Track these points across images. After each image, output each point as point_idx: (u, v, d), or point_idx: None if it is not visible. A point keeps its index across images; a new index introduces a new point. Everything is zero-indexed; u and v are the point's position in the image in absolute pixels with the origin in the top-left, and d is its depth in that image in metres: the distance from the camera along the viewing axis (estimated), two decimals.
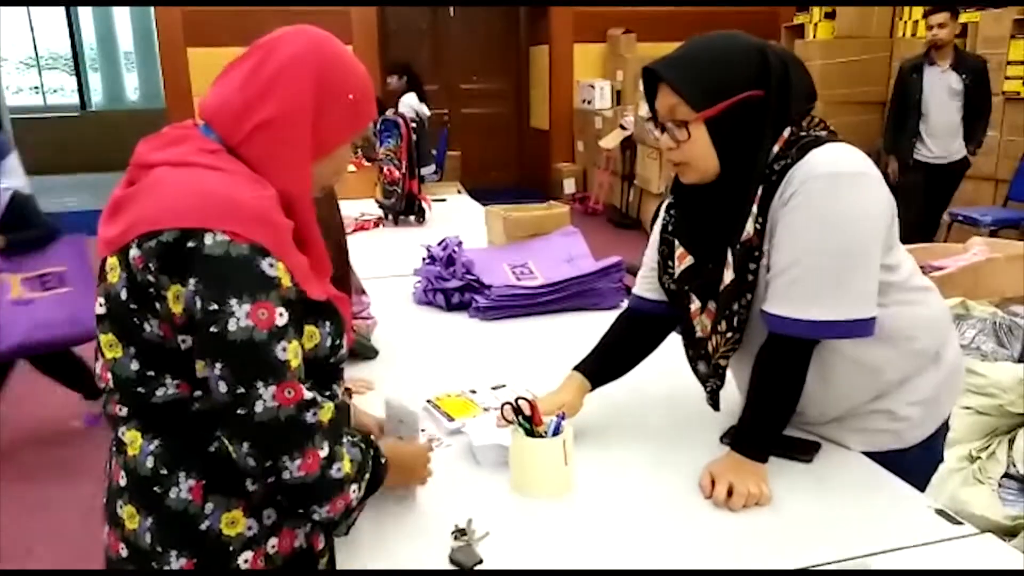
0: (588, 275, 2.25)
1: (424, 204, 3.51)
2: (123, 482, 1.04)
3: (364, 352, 1.86)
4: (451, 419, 1.51)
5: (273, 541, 1.05)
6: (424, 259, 2.39)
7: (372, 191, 3.73)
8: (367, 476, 1.06)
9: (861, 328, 1.22)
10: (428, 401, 1.59)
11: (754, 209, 1.25)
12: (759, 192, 1.24)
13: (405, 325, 2.14)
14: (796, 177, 1.22)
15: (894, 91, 5.16)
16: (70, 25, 12.64)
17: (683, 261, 1.39)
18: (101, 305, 1.02)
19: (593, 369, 1.52)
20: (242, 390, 0.93)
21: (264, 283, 0.95)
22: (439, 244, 2.39)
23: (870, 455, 1.37)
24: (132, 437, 1.03)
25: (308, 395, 0.97)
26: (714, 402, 1.42)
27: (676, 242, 1.40)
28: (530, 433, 1.29)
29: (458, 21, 9.07)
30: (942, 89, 4.86)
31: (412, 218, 3.49)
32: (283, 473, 0.95)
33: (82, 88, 12.76)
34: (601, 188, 7.92)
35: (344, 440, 1.03)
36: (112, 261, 0.99)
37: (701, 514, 1.23)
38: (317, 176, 1.08)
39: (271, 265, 0.96)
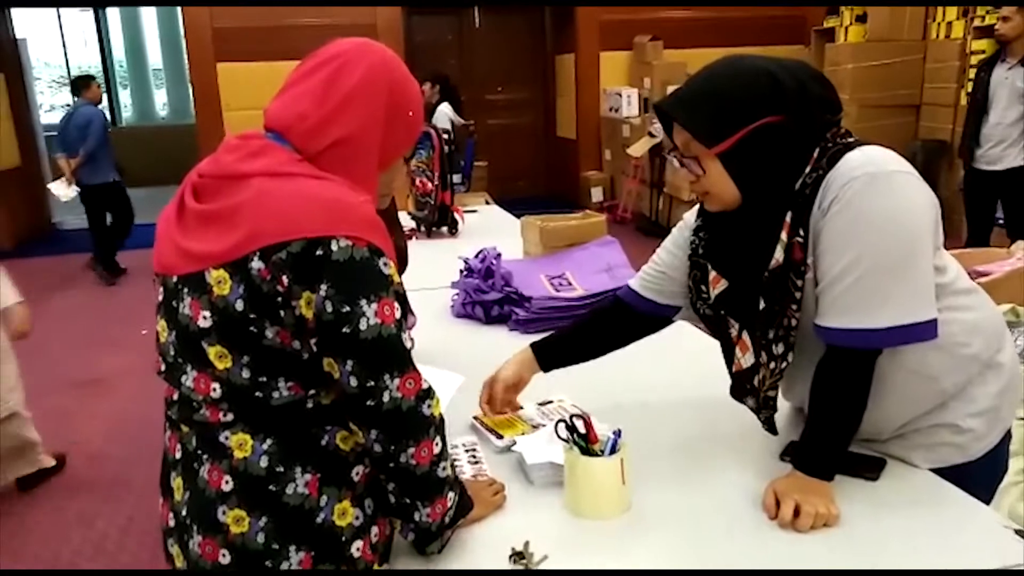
0: None
1: (457, 216, 3.49)
2: (228, 487, 1.04)
3: None
4: (500, 436, 1.48)
5: (375, 530, 1.10)
6: (462, 271, 2.36)
7: (405, 203, 3.72)
8: (458, 493, 1.12)
9: (924, 331, 1.17)
10: (475, 418, 1.56)
11: (783, 236, 1.21)
12: (788, 216, 1.21)
13: (443, 339, 2.11)
14: (833, 183, 1.18)
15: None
16: (100, 43, 12.85)
17: (717, 285, 1.36)
18: (205, 319, 1.01)
19: (546, 350, 1.57)
20: (371, 383, 1.00)
21: (384, 281, 1.01)
22: (477, 256, 2.36)
23: (936, 471, 1.32)
24: (241, 439, 1.04)
25: (425, 384, 1.05)
26: (770, 427, 1.37)
27: (708, 266, 1.37)
28: (585, 452, 1.25)
29: (484, 32, 9.10)
30: (1005, 88, 4.51)
31: (445, 230, 3.47)
32: (400, 456, 1.03)
33: (112, 105, 12.97)
34: (630, 196, 7.87)
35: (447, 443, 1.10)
36: (219, 274, 1.00)
37: (765, 534, 1.18)
38: (379, 187, 1.15)
39: (386, 264, 1.02)
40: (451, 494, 1.10)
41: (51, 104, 14.59)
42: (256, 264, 0.98)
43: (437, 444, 1.06)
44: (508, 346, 2.04)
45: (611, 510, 1.23)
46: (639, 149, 7.36)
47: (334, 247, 0.98)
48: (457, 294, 2.32)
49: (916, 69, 6.50)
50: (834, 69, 6.65)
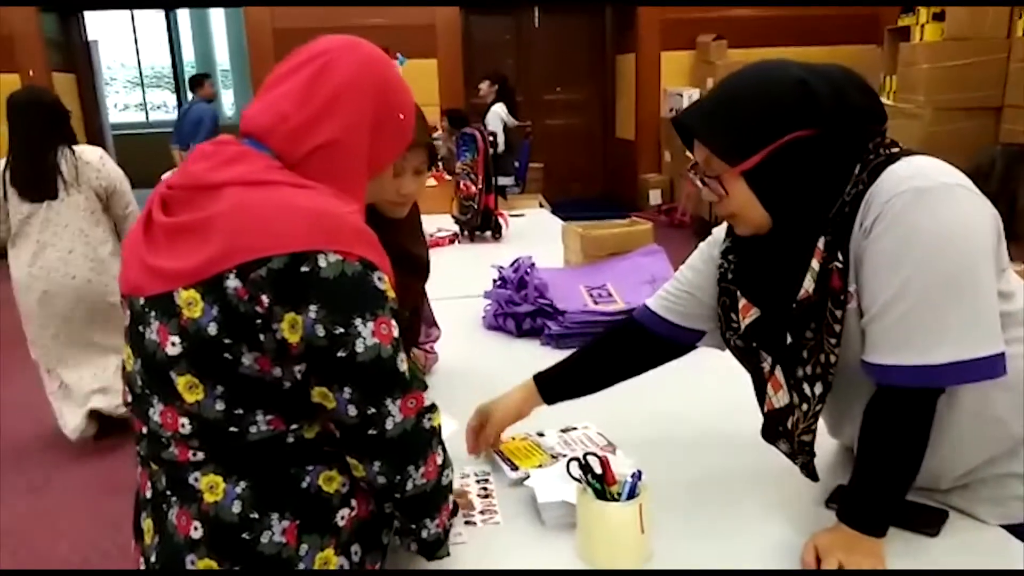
0: None
1: (501, 220, 3.38)
2: (197, 534, 0.94)
3: None
4: (514, 468, 1.36)
5: None
6: (495, 281, 2.25)
7: (450, 206, 3.63)
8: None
9: (989, 367, 1.01)
10: (491, 445, 1.44)
11: (813, 264, 1.07)
12: (821, 243, 1.06)
13: (470, 352, 2.00)
14: (875, 199, 1.03)
15: None
16: (171, 45, 13.17)
17: (748, 314, 1.22)
18: (175, 345, 0.92)
19: (549, 382, 1.42)
20: (372, 410, 0.92)
21: (380, 298, 0.93)
22: (511, 265, 2.25)
23: (1007, 527, 1.15)
24: (211, 481, 0.94)
25: (427, 401, 0.98)
26: (810, 473, 1.20)
27: (738, 292, 1.23)
28: (602, 494, 1.12)
29: (542, 31, 8.99)
30: None
31: (488, 234, 3.37)
32: (407, 483, 0.96)
33: (181, 105, 13.27)
34: (689, 199, 7.65)
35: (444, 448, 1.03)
36: (189, 295, 0.90)
37: None
38: (368, 195, 1.05)
39: (380, 279, 0.94)
40: (451, 497, 1.06)
41: (125, 103, 15.03)
42: (232, 283, 0.88)
43: (439, 453, 1.00)
44: (538, 362, 1.92)
45: (628, 560, 1.10)
46: None
47: (322, 263, 0.89)
48: (489, 305, 2.21)
49: (998, 69, 6.11)
50: (908, 70, 6.32)
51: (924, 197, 1.01)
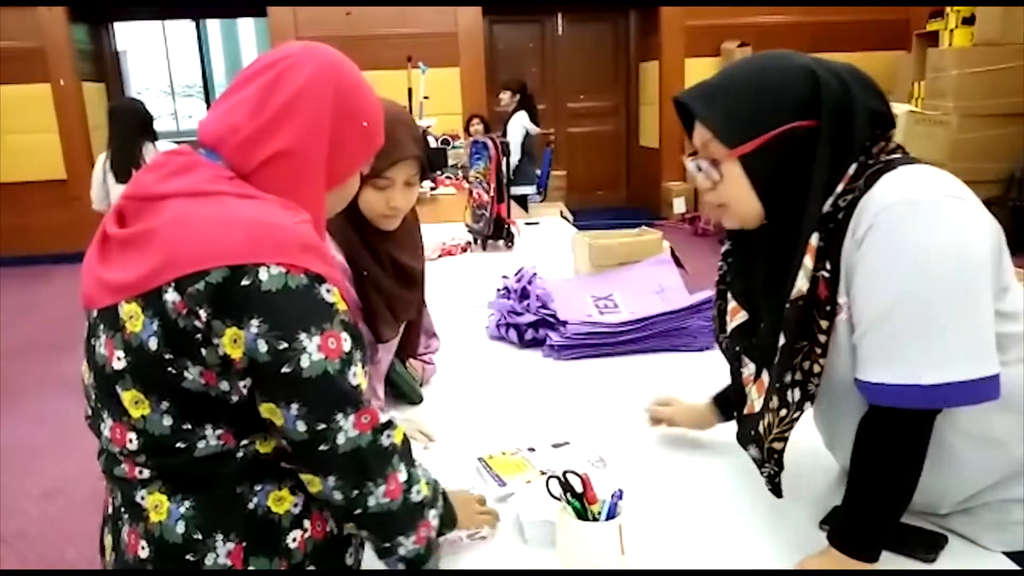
0: (677, 312, 2.01)
1: (513, 228, 3.35)
2: (144, 553, 0.92)
3: (409, 394, 1.71)
4: (502, 483, 1.33)
5: None
6: (499, 291, 2.22)
7: (463, 215, 3.61)
8: (441, 504, 1.04)
9: (983, 390, 0.96)
10: (479, 459, 1.41)
11: (806, 261, 1.02)
12: (815, 240, 1.02)
13: (469, 364, 1.97)
14: (867, 209, 0.99)
15: None
16: (201, 56, 13.38)
17: (735, 316, 1.19)
18: (119, 359, 0.90)
19: (720, 398, 1.40)
20: (322, 426, 0.89)
21: (326, 311, 0.89)
22: (515, 275, 2.22)
23: (1010, 555, 1.09)
24: (156, 501, 0.92)
25: (383, 417, 0.94)
26: (774, 488, 1.16)
27: (728, 294, 1.21)
28: (583, 514, 1.09)
29: (566, 39, 8.96)
30: None
31: (501, 243, 3.35)
32: (368, 500, 0.93)
33: None
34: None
35: (416, 462, 1.00)
36: (130, 308, 0.88)
37: None
38: (328, 206, 1.01)
39: (328, 291, 0.90)
40: (432, 512, 1.01)
41: (158, 113, 15.30)
42: (171, 296, 0.86)
43: (402, 471, 0.96)
44: (538, 374, 1.90)
45: None
46: None
47: (263, 276, 0.85)
48: (492, 315, 2.18)
49: None
50: (936, 76, 6.21)
51: (918, 210, 0.97)
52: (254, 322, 0.86)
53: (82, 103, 7.81)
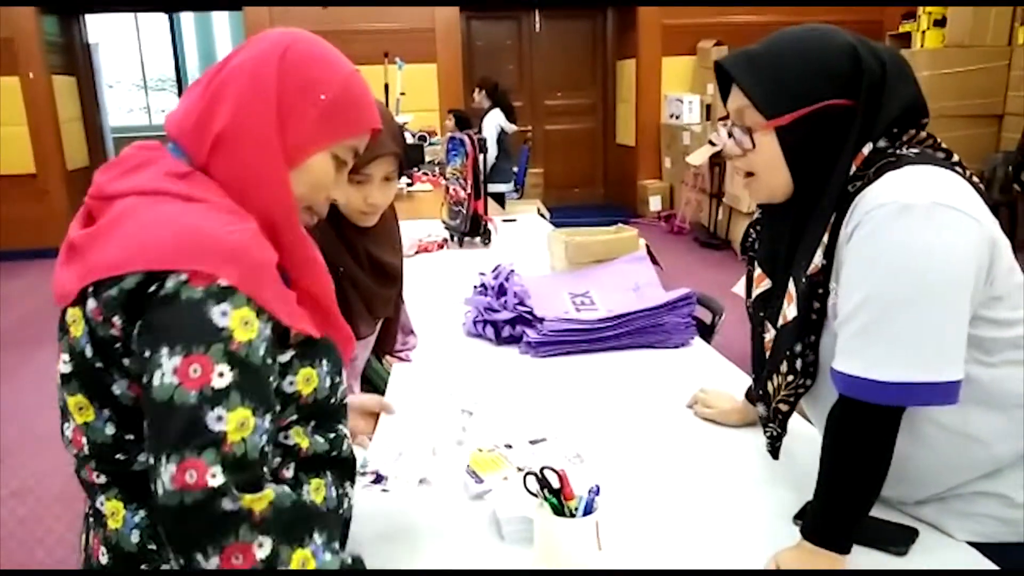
0: (654, 309, 2.02)
1: (490, 225, 3.35)
2: (104, 560, 0.90)
3: (385, 391, 1.70)
4: (479, 480, 1.33)
5: None
6: (476, 287, 2.22)
7: (439, 212, 3.60)
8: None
9: (939, 394, 0.98)
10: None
11: (826, 239, 1.05)
12: (831, 219, 1.05)
13: (447, 361, 1.96)
14: (861, 206, 1.01)
15: None
16: (175, 50, 13.21)
17: (760, 284, 1.23)
18: (65, 363, 0.88)
19: (752, 392, 1.44)
20: (152, 460, 0.77)
21: (207, 334, 0.79)
22: (492, 271, 2.22)
23: (979, 547, 1.11)
24: (113, 508, 0.90)
25: (216, 482, 0.75)
26: (773, 450, 1.22)
27: (756, 262, 1.26)
28: (560, 510, 1.09)
29: (544, 37, 8.96)
30: None
31: (478, 239, 3.34)
32: (200, 567, 0.76)
33: None
34: (688, 206, 7.62)
35: (313, 540, 0.83)
36: (73, 312, 0.86)
37: None
38: (297, 191, 0.94)
39: (223, 314, 0.80)
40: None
41: (130, 107, 15.07)
42: (90, 303, 0.83)
43: (262, 545, 0.77)
44: (514, 371, 1.90)
45: None
46: (698, 158, 6.96)
47: (169, 283, 0.80)
48: (469, 311, 2.18)
49: (999, 77, 6.08)
50: None
51: (906, 214, 0.98)
52: (139, 323, 0.81)
53: (52, 96, 7.66)
